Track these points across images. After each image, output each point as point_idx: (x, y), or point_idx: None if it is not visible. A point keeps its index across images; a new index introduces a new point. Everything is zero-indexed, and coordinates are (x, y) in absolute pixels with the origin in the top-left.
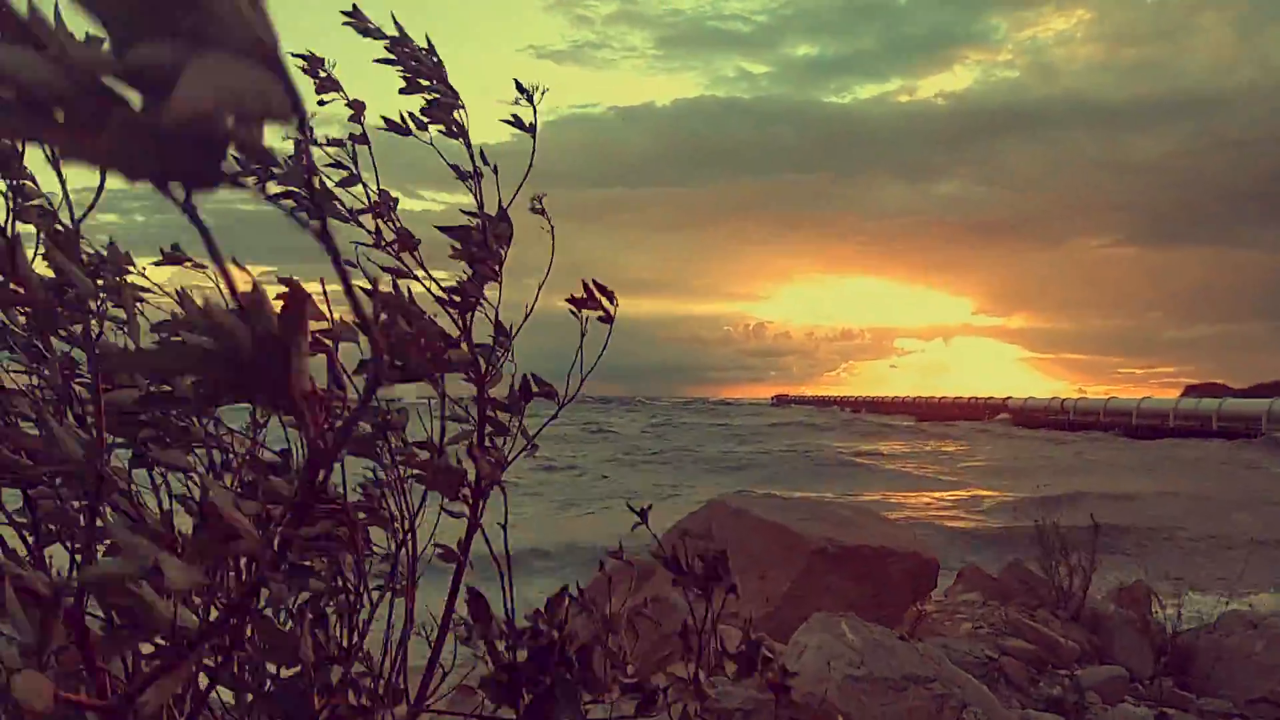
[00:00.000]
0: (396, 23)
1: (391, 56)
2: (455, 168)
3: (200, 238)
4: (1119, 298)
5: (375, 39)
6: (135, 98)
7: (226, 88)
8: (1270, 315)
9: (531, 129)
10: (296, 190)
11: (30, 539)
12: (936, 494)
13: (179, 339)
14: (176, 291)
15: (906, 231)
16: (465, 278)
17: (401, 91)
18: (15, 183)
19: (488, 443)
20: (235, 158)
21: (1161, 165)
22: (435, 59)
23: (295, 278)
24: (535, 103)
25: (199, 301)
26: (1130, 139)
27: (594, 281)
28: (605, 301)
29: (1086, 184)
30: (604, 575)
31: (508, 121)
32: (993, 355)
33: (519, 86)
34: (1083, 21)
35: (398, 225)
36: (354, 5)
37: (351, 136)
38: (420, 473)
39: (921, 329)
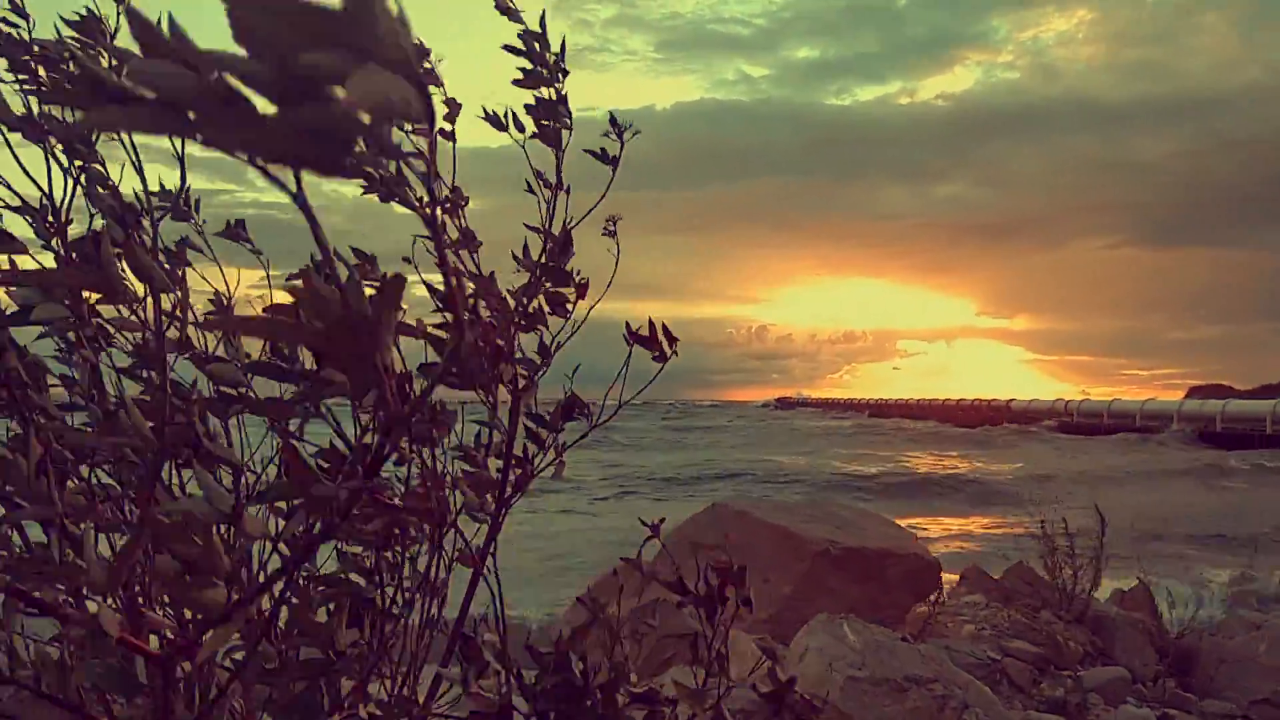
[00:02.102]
0: (543, 22)
1: (521, 47)
2: (539, 174)
3: (308, 224)
4: (1122, 299)
5: (513, 20)
6: (259, 99)
7: (379, 94)
8: (1274, 316)
9: (614, 161)
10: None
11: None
12: None
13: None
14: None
15: (908, 233)
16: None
17: (515, 83)
18: (84, 171)
19: (520, 454)
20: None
21: (1164, 166)
22: (561, 61)
23: (398, 273)
24: (624, 139)
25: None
26: (1132, 140)
27: (662, 326)
28: (666, 345)
29: (1088, 185)
30: (613, 578)
31: (592, 153)
32: (996, 357)
33: (612, 120)
34: (1084, 22)
35: (463, 224)
36: None
37: (441, 132)
38: (461, 475)
39: (924, 331)
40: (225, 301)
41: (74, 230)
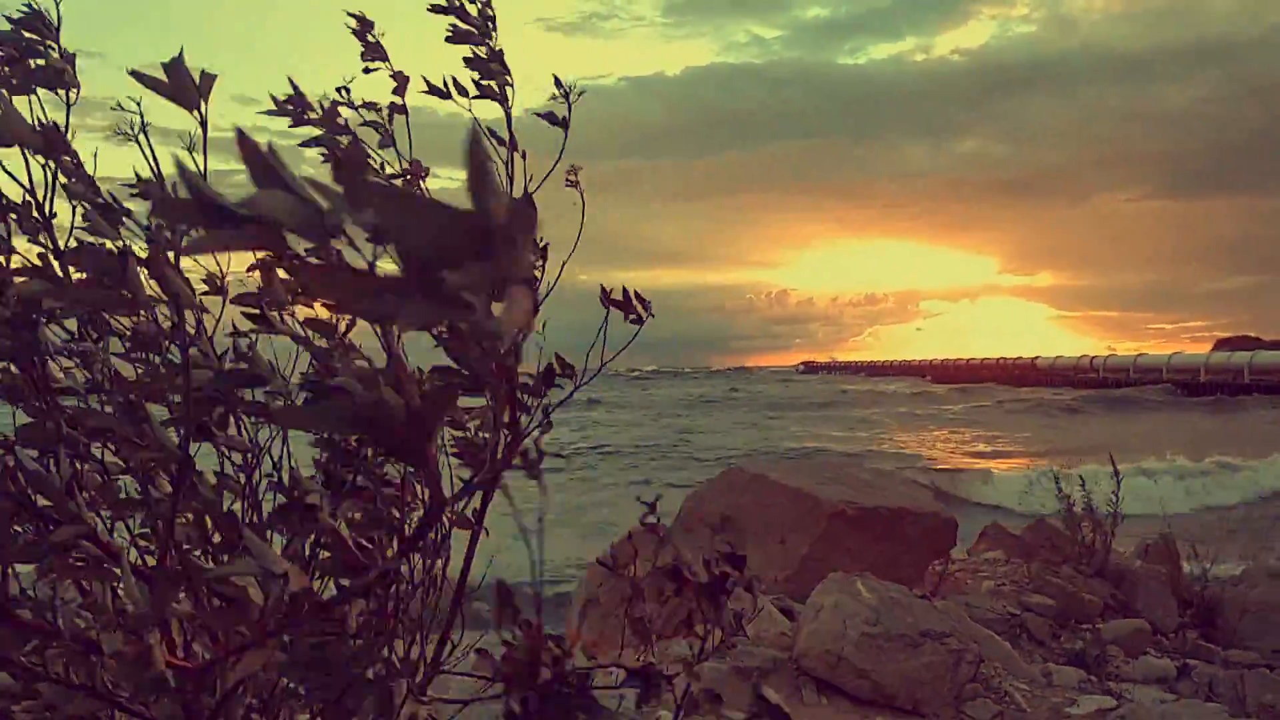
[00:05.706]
0: None
1: (443, 4)
2: (492, 132)
3: None
4: (1148, 252)
5: None
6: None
7: (521, 314)
8: None
9: (565, 123)
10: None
11: (107, 516)
12: None
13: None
14: (334, 342)
15: (928, 192)
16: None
17: (447, 40)
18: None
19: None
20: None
21: (1189, 115)
22: (490, 15)
23: (450, 383)
24: (571, 100)
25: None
26: (1155, 89)
27: (635, 293)
28: (641, 309)
29: (1112, 137)
30: (628, 541)
31: (541, 115)
32: (1020, 314)
33: (557, 82)
34: None
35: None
36: None
37: (391, 106)
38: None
39: (946, 290)
40: (218, 283)
41: (59, 224)
